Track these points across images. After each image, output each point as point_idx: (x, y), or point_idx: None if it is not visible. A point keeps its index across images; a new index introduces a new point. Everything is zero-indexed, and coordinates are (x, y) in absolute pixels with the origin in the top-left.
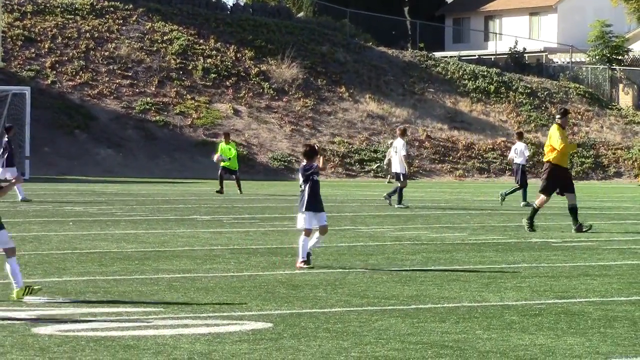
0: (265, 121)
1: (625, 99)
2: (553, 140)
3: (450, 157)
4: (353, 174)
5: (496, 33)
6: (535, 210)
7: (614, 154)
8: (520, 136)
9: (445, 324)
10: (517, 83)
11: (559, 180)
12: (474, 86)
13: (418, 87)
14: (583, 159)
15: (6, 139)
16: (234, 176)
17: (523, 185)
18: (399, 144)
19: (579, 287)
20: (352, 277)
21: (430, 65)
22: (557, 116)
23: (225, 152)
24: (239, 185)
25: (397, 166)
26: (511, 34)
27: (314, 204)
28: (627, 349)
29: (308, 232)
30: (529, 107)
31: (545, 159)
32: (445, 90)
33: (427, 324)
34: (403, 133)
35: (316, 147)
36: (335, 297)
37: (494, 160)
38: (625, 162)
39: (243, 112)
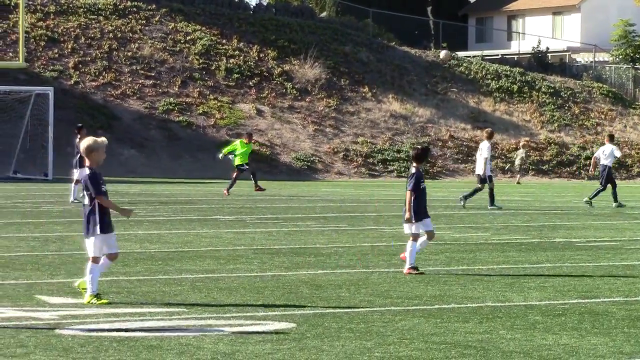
0: (288, 121)
1: None
2: None
3: (473, 157)
4: (376, 173)
5: (519, 32)
6: None
7: (637, 153)
8: (611, 138)
9: (469, 324)
10: (540, 83)
11: None
12: (497, 86)
13: (441, 86)
14: None
15: (78, 140)
16: (247, 171)
17: (608, 185)
18: (484, 145)
19: (603, 287)
20: (376, 277)
21: (453, 65)
22: None
23: (245, 149)
24: (232, 185)
25: (481, 168)
26: (534, 34)
27: (424, 213)
28: None
29: (416, 237)
30: (552, 106)
31: None
32: (468, 90)
33: (450, 324)
34: (490, 135)
35: (429, 149)
36: (358, 297)
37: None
38: None
39: (266, 112)
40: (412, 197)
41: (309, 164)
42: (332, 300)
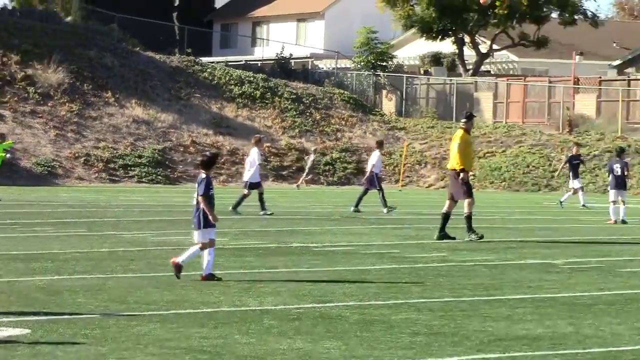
0: (29, 126)
1: (388, 105)
2: (452, 146)
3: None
4: (117, 179)
5: (263, 39)
6: (470, 217)
7: None
8: (379, 145)
9: (204, 329)
10: (283, 89)
11: (469, 184)
12: (240, 92)
13: (184, 92)
14: (346, 165)
15: None
16: None
17: (375, 190)
18: (253, 152)
19: (338, 292)
20: (113, 283)
21: (197, 71)
22: (462, 120)
23: None
24: None
25: (248, 175)
26: (278, 40)
27: (210, 220)
28: (383, 352)
29: (205, 246)
30: (294, 112)
31: (450, 167)
32: (211, 96)
33: (186, 329)
34: (258, 142)
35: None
36: (94, 302)
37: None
38: (386, 167)
39: (7, 116)
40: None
41: (50, 169)
42: (68, 305)
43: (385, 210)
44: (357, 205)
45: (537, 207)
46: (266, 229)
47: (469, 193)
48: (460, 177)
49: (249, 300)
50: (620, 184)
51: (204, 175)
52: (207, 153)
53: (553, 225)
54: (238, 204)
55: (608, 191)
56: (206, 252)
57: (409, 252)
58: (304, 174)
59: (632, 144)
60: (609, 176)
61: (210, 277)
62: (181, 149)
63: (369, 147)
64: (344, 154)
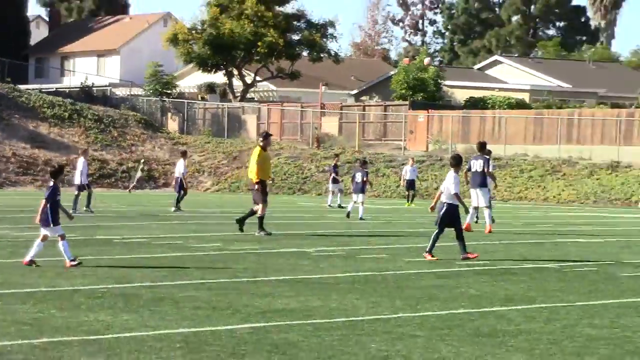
0: None
1: (172, 125)
2: (251, 161)
3: (32, 171)
4: None
5: (70, 70)
6: (262, 218)
7: (163, 168)
8: (184, 154)
9: (26, 305)
10: (87, 111)
11: (265, 191)
12: (52, 113)
13: (6, 113)
14: (149, 173)
15: None
16: None
17: (182, 193)
18: (80, 161)
19: (134, 274)
20: None
21: (16, 96)
22: (260, 139)
23: None
24: None
25: (79, 179)
26: (83, 71)
27: (57, 220)
28: (171, 322)
29: (45, 238)
30: (96, 130)
31: (253, 179)
32: (28, 117)
33: (11, 305)
34: (84, 152)
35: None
36: None
37: (69, 173)
38: (172, 175)
39: None
40: (48, 205)
41: None
42: None
43: (172, 209)
44: (177, 204)
45: (292, 206)
46: (74, 224)
47: (264, 199)
48: (255, 188)
49: (62, 282)
50: (360, 188)
51: (51, 184)
52: (56, 165)
53: (305, 222)
54: (88, 203)
55: (352, 194)
56: (37, 242)
57: (191, 243)
58: (133, 182)
59: (367, 156)
60: (352, 182)
61: (31, 263)
62: (4, 160)
63: (158, 158)
64: (137, 164)
